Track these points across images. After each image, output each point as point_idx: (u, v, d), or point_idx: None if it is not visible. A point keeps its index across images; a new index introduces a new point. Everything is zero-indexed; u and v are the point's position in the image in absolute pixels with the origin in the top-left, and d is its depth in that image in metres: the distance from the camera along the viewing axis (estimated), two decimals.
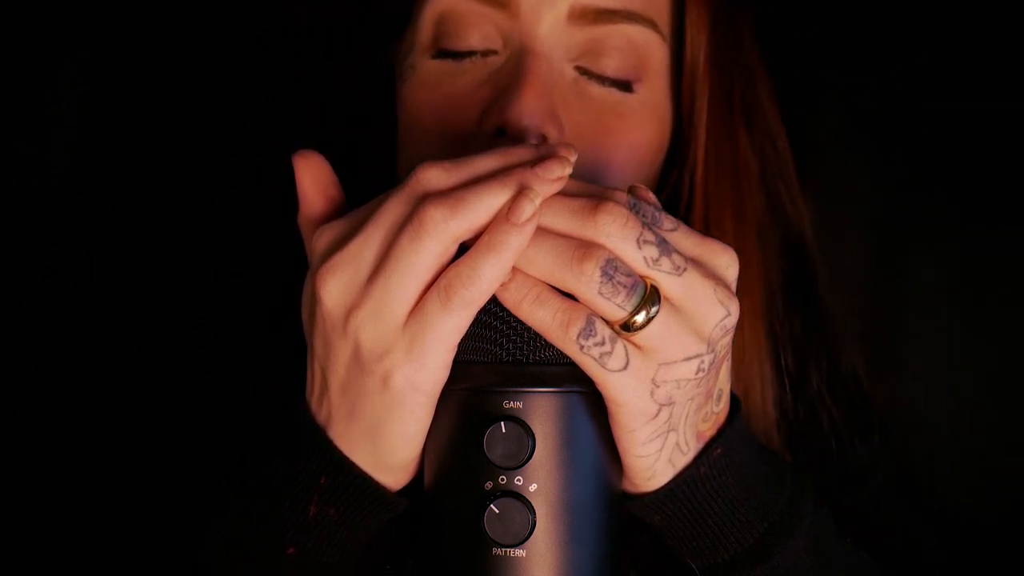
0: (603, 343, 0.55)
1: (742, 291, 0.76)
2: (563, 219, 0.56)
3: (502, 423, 0.56)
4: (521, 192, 0.54)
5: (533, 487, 0.56)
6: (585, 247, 0.55)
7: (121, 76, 1.08)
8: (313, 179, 0.63)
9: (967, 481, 0.91)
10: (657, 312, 0.55)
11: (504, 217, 0.54)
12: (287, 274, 0.69)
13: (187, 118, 1.08)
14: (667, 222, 0.58)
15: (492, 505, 0.56)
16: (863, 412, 0.83)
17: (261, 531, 0.61)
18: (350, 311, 0.56)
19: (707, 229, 0.76)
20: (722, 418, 0.62)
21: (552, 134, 0.68)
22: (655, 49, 0.73)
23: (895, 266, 1.03)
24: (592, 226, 0.55)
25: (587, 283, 0.54)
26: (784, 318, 0.80)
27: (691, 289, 0.56)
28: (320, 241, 0.59)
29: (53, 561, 1.05)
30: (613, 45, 0.71)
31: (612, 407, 0.57)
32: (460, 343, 0.58)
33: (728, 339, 0.58)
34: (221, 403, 0.86)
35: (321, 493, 0.60)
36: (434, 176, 0.56)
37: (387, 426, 0.57)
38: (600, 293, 0.54)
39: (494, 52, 0.71)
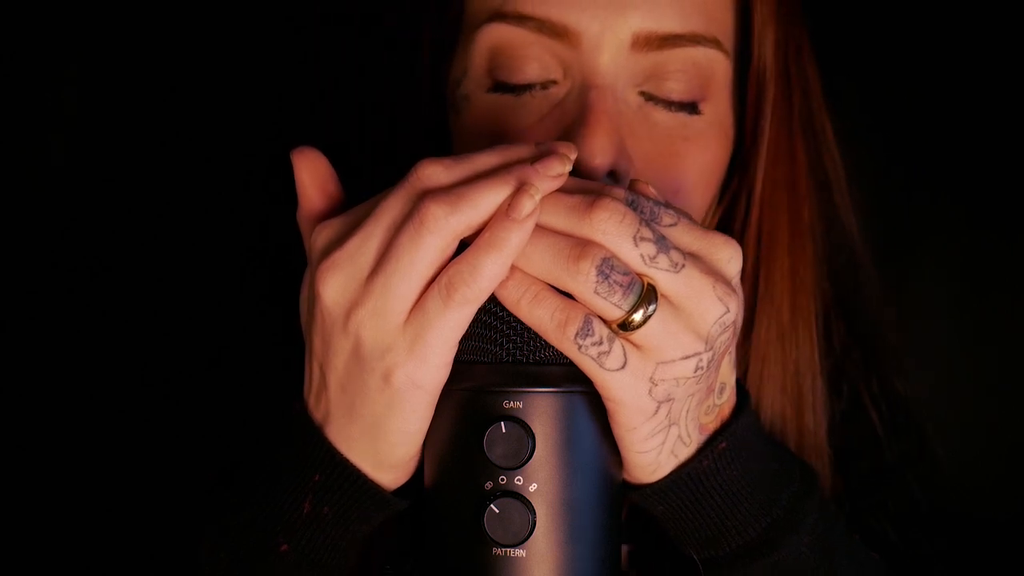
0: (601, 343, 0.55)
1: (796, 307, 0.76)
2: (559, 216, 0.55)
3: (502, 423, 0.56)
4: (521, 188, 0.54)
5: (533, 487, 0.56)
6: (581, 246, 0.54)
7: (121, 77, 1.08)
8: (312, 175, 0.62)
9: (967, 482, 0.91)
10: (655, 310, 0.55)
11: (504, 213, 0.54)
12: (286, 273, 0.69)
13: (189, 120, 1.08)
14: (666, 217, 0.57)
15: (492, 505, 0.55)
16: (911, 434, 0.82)
17: (255, 528, 0.61)
18: (350, 309, 0.56)
19: (762, 242, 0.76)
20: (727, 410, 0.62)
21: (623, 168, 0.67)
22: (719, 67, 0.71)
23: (896, 267, 1.03)
24: (588, 223, 0.55)
25: (583, 282, 0.54)
26: (837, 334, 0.80)
27: (689, 286, 0.56)
28: (319, 238, 0.58)
29: (50, 557, 1.05)
30: (677, 68, 0.69)
31: (611, 406, 0.57)
32: (461, 343, 0.57)
33: (728, 335, 0.58)
34: (219, 402, 0.86)
35: (315, 491, 0.59)
36: (434, 173, 0.56)
37: (387, 424, 0.57)
38: (596, 292, 0.54)
39: (554, 83, 0.69)
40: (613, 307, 0.54)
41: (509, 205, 0.54)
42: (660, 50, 0.68)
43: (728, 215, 0.77)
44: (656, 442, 0.58)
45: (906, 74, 1.01)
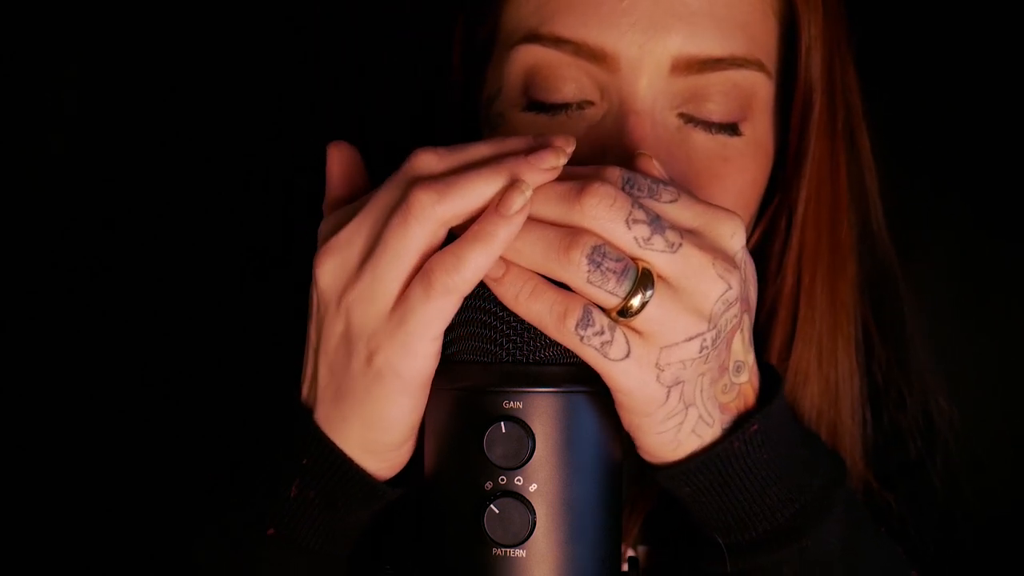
0: (602, 332, 0.54)
1: (836, 326, 0.75)
2: (550, 206, 0.55)
3: (502, 423, 0.56)
4: (513, 185, 0.54)
5: (533, 487, 0.56)
6: (571, 235, 0.54)
7: (121, 77, 1.08)
8: (341, 167, 0.62)
9: (969, 482, 0.91)
10: (652, 295, 0.54)
11: (493, 208, 0.54)
12: (286, 272, 0.69)
13: (189, 120, 1.08)
14: (666, 193, 0.56)
15: (492, 505, 0.55)
16: (940, 446, 0.82)
17: (243, 511, 0.61)
18: (343, 292, 0.57)
19: (803, 260, 0.75)
20: (751, 392, 0.61)
21: None
22: (761, 88, 0.69)
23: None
24: (579, 211, 0.54)
25: (575, 272, 0.54)
26: (875, 348, 0.79)
27: (687, 266, 0.55)
28: (325, 226, 0.59)
29: (50, 556, 1.05)
30: (717, 90, 0.67)
31: (620, 396, 0.56)
32: (460, 343, 0.58)
33: (733, 312, 0.57)
34: (220, 402, 0.86)
35: (303, 475, 0.60)
36: (427, 161, 0.56)
37: (369, 408, 0.57)
38: (590, 282, 0.54)
39: (590, 103, 0.68)
40: (608, 295, 0.54)
41: (499, 200, 0.54)
42: (700, 73, 0.66)
43: (768, 234, 0.76)
44: (673, 423, 0.57)
45: (906, 74, 1.00)
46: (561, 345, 0.57)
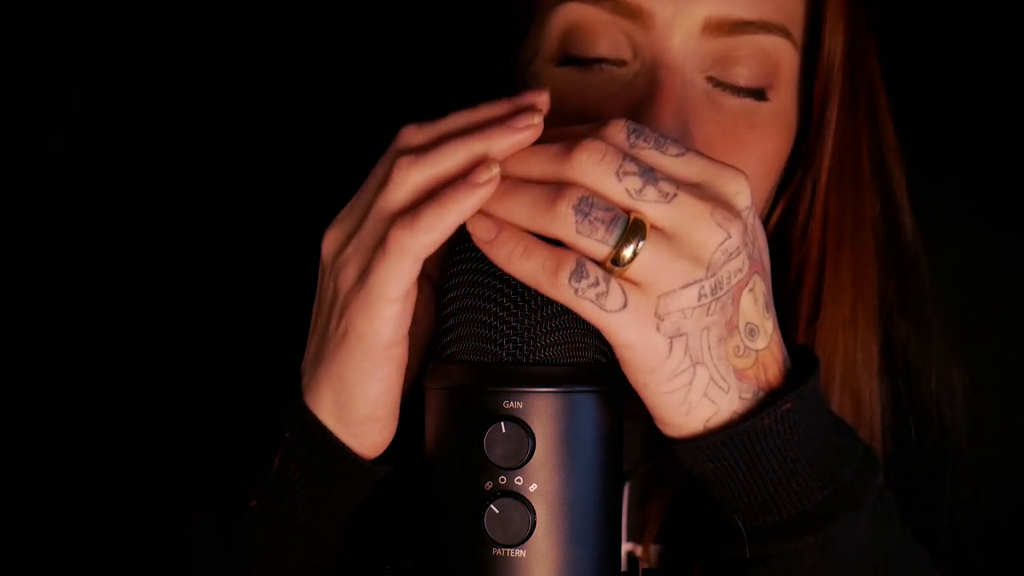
0: (597, 284, 0.54)
1: (859, 299, 0.76)
2: (542, 166, 0.56)
3: (502, 423, 0.56)
4: (483, 160, 0.55)
5: (533, 487, 0.56)
6: (559, 188, 0.54)
7: (121, 77, 1.08)
8: None
9: (970, 483, 0.91)
10: (644, 244, 0.54)
11: (463, 179, 0.55)
12: (286, 272, 0.69)
13: (189, 119, 1.08)
14: (673, 147, 0.56)
15: (492, 505, 0.55)
16: (957, 431, 0.82)
17: (229, 482, 0.63)
18: (335, 258, 0.59)
19: (828, 233, 0.76)
20: (773, 365, 0.60)
21: None
22: (787, 56, 0.71)
23: None
24: (568, 166, 0.54)
25: (562, 224, 0.54)
26: (896, 330, 0.79)
27: (682, 215, 0.55)
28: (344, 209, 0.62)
29: (50, 555, 1.05)
30: (745, 55, 0.69)
31: (622, 352, 0.56)
32: (460, 343, 0.58)
33: (736, 264, 0.56)
34: (221, 401, 0.86)
35: (286, 447, 0.61)
36: (411, 134, 0.58)
37: (334, 370, 0.59)
38: (578, 232, 0.54)
39: (623, 62, 0.70)
40: (598, 244, 0.54)
41: (469, 174, 0.55)
42: (730, 36, 0.69)
43: (792, 206, 0.77)
44: (681, 383, 0.57)
45: (907, 73, 1.00)
46: (561, 345, 0.57)
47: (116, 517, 1.02)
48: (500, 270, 0.56)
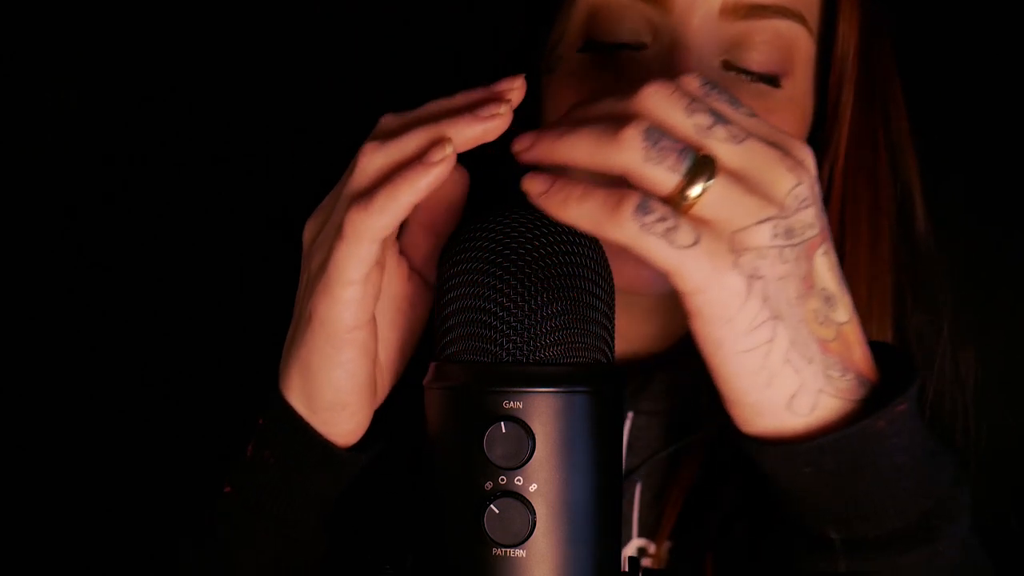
0: (665, 218, 0.50)
1: (874, 285, 0.75)
2: (603, 106, 0.54)
3: (502, 423, 0.55)
4: (438, 141, 0.54)
5: (533, 487, 0.56)
6: (626, 119, 0.52)
7: (121, 77, 1.08)
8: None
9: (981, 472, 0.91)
10: (713, 182, 0.51)
11: (417, 159, 0.54)
12: (285, 271, 0.69)
13: (189, 119, 1.08)
14: (745, 108, 0.54)
15: (492, 505, 0.55)
16: (968, 419, 0.81)
17: (204, 470, 0.64)
18: (310, 246, 0.59)
19: (844, 223, 0.75)
20: (856, 347, 0.56)
21: None
22: (802, 42, 0.72)
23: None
24: (635, 100, 0.52)
25: (630, 151, 0.51)
26: (911, 320, 0.79)
27: (754, 157, 0.52)
28: None
29: (51, 554, 1.05)
30: (761, 39, 0.70)
31: (695, 301, 0.52)
32: (460, 342, 0.58)
33: (808, 215, 0.53)
34: (220, 401, 0.86)
35: (259, 434, 0.62)
36: (386, 123, 0.58)
37: (301, 353, 0.59)
38: (647, 160, 0.50)
39: (643, 45, 0.70)
40: (667, 173, 0.50)
41: (425, 153, 0.54)
42: (747, 19, 0.69)
43: None
44: (761, 337, 0.52)
45: (908, 73, 1.00)
46: (561, 345, 0.57)
47: (105, 508, 1.02)
48: (500, 270, 0.56)
